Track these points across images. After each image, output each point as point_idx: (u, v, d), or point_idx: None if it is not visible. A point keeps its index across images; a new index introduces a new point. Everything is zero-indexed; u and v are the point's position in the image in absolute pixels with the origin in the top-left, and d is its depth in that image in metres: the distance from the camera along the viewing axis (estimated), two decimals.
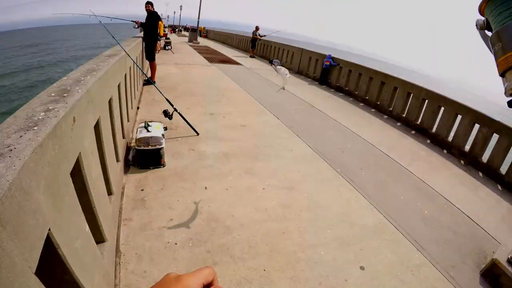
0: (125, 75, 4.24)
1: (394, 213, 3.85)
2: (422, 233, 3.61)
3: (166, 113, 4.80)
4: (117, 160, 3.15)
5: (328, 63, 11.34)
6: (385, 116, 8.70)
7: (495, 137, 6.14)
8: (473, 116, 6.70)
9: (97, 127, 2.20)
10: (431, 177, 5.05)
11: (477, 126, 6.57)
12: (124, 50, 4.14)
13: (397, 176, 4.92)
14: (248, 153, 4.77)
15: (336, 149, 5.52)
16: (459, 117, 6.98)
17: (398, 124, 8.18)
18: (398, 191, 4.45)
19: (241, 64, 13.59)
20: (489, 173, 5.94)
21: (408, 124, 8.11)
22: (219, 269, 2.51)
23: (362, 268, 2.89)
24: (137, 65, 5.23)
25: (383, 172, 4.95)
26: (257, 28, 16.42)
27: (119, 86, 3.53)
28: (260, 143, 5.21)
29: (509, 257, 3.18)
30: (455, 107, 7.13)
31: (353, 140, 6.18)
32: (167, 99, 5.03)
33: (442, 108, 7.38)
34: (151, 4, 7.34)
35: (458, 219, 4.03)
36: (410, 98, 8.29)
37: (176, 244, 2.68)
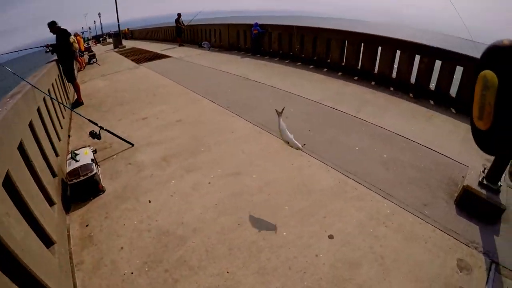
0: (39, 109, 3.97)
1: (352, 167, 3.76)
2: (386, 179, 3.54)
3: (93, 135, 4.57)
4: (52, 204, 3.03)
5: (256, 31, 11.44)
6: (325, 69, 8.76)
7: (438, 63, 6.36)
8: (412, 48, 6.92)
9: (7, 183, 2.08)
10: (382, 119, 5.07)
11: (418, 57, 6.77)
12: (30, 83, 3.96)
13: (348, 128, 4.88)
14: (187, 149, 4.53)
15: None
16: (398, 52, 7.17)
17: (339, 74, 8.26)
18: (352, 143, 4.38)
19: (170, 56, 13.26)
20: (439, 99, 6.14)
21: (349, 72, 8.23)
22: (181, 287, 2.40)
23: (330, 236, 2.76)
24: (48, 95, 4.74)
25: (333, 128, 4.88)
26: (179, 15, 16.44)
27: (31, 124, 3.34)
28: (199, 134, 4.97)
29: (480, 179, 3.21)
30: (392, 44, 7.32)
31: (295, 103, 6.07)
32: (89, 120, 4.79)
33: (380, 47, 7.54)
34: (52, 24, 6.92)
35: (419, 154, 4.03)
36: (346, 45, 8.41)
37: (132, 273, 2.56)
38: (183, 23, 16.54)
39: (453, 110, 5.60)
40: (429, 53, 6.55)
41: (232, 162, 4.05)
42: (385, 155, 4.02)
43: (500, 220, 3.01)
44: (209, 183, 3.67)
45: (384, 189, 3.34)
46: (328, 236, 2.76)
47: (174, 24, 16.82)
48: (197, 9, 16.63)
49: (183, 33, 16.83)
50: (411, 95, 6.43)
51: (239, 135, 4.83)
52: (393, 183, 3.46)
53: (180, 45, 16.64)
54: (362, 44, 7.95)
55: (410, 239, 2.72)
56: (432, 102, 6.05)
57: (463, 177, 3.45)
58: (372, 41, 7.77)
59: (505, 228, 2.96)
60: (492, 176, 3.16)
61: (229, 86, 7.61)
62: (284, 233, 2.81)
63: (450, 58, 6.14)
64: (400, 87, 6.89)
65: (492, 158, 3.19)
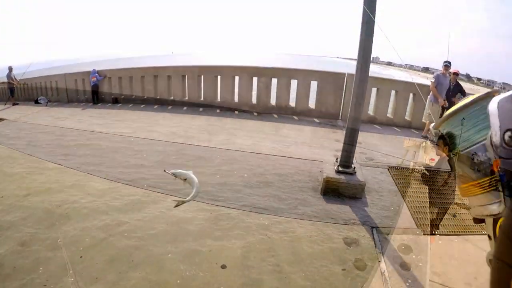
0: None
1: (220, 194, 3.95)
2: (253, 195, 3.85)
3: None
4: None
5: (94, 78, 11.08)
6: (169, 107, 9.04)
7: (274, 80, 7.49)
8: (249, 71, 7.99)
9: None
10: (234, 142, 5.53)
11: (255, 78, 7.80)
12: None
13: (204, 159, 5.12)
14: (42, 226, 3.74)
15: (134, 166, 5.16)
16: (237, 77, 8.12)
17: (184, 108, 8.67)
18: (212, 172, 4.58)
19: (4, 119, 11.28)
20: (282, 111, 7.21)
21: (193, 105, 8.75)
22: None
23: (223, 267, 2.80)
24: None
25: (189, 163, 5.02)
26: (10, 69, 14.26)
27: None
28: (51, 205, 4.16)
29: (336, 168, 3.90)
30: (229, 71, 8.25)
31: (148, 147, 6.00)
32: None
33: (219, 77, 8.36)
34: None
35: (276, 164, 4.55)
36: (186, 80, 8.96)
37: None
38: (15, 79, 14.60)
39: (296, 118, 6.57)
40: (266, 74, 7.65)
41: (97, 227, 3.63)
42: (245, 175, 4.36)
43: (364, 193, 3.76)
44: (81, 257, 3.16)
45: (255, 205, 3.61)
46: (221, 266, 2.79)
47: (6, 80, 14.73)
48: (30, 60, 14.86)
49: (16, 90, 14.86)
50: (255, 114, 7.26)
51: (97, 195, 4.36)
52: (262, 198, 3.78)
53: (14, 104, 14.48)
54: (202, 76, 8.58)
55: (296, 240, 3.02)
56: (275, 116, 6.95)
57: (321, 171, 4.06)
58: (210, 72, 8.51)
59: (370, 198, 3.72)
60: (345, 162, 3.90)
61: (75, 143, 6.90)
62: (178, 281, 2.71)
63: (284, 74, 7.35)
64: (244, 109, 7.73)
65: (340, 147, 3.92)
